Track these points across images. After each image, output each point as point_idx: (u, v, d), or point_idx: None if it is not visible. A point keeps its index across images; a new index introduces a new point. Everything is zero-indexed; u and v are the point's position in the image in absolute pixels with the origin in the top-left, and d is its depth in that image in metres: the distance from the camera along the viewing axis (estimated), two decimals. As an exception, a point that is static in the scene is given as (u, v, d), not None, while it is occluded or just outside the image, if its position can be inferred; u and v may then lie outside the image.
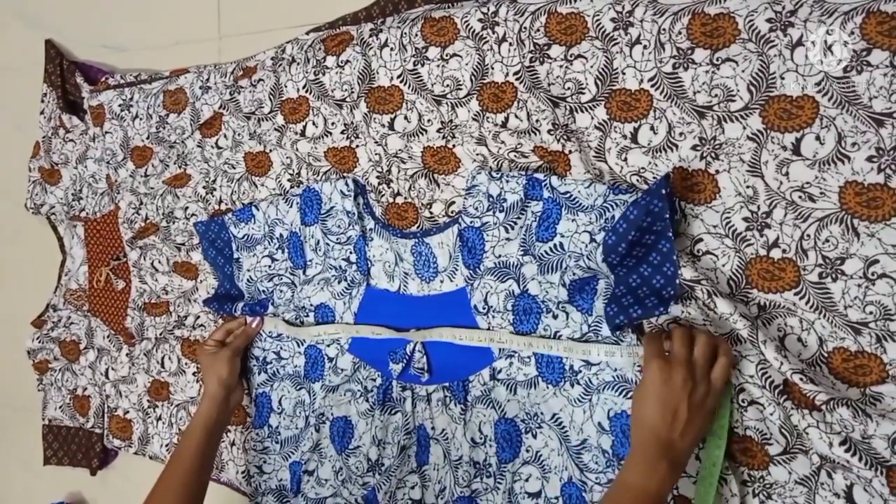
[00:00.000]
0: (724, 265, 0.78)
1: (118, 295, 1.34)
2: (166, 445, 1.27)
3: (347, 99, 1.00)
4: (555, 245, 0.87)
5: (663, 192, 0.75)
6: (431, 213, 0.97)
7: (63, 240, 1.44)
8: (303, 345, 1.09)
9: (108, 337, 1.35)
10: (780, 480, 0.75)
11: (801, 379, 0.71)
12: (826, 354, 0.74)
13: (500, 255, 0.91)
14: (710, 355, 0.75)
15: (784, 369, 0.72)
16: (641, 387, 0.75)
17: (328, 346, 1.06)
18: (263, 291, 1.11)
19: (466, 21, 0.89)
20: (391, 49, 0.95)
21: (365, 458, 1.01)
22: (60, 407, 1.42)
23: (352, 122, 1.01)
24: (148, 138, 1.23)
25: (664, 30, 0.78)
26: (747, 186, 0.76)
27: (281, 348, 1.11)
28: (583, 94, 0.84)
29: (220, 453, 1.19)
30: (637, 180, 0.82)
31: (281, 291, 1.09)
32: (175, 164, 1.22)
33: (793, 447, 0.75)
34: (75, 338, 1.40)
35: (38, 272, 1.48)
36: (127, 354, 1.31)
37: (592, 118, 0.84)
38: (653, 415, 0.73)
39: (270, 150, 1.11)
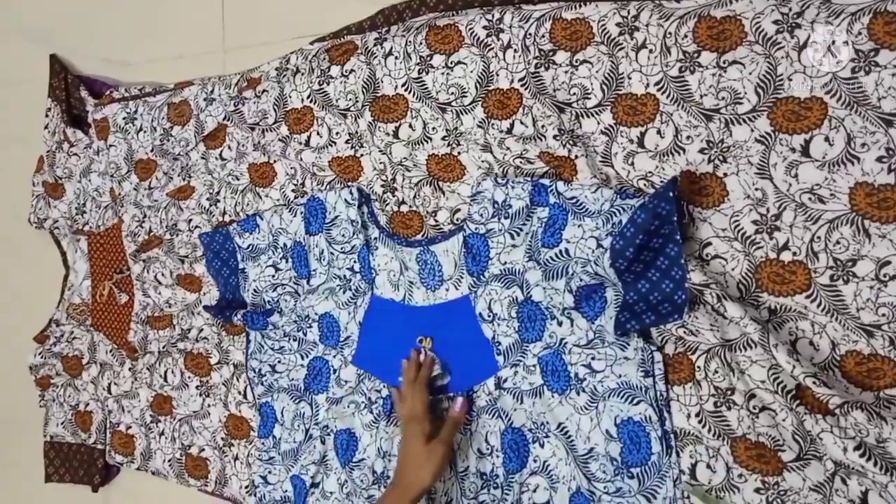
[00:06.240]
0: (733, 269, 0.77)
1: (121, 309, 1.33)
2: (169, 461, 1.25)
3: (352, 108, 0.99)
4: (560, 251, 0.86)
5: (671, 195, 0.74)
6: (436, 221, 0.96)
7: (66, 254, 1.44)
8: (307, 357, 1.08)
9: (110, 351, 1.34)
10: (795, 487, 0.74)
11: (814, 383, 0.69)
12: (839, 358, 0.73)
13: (505, 262, 0.90)
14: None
15: (796, 373, 0.70)
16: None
17: (333, 356, 1.05)
18: (269, 301, 1.10)
19: (471, 28, 0.89)
20: (395, 58, 0.95)
21: (370, 470, 0.99)
22: (62, 423, 1.41)
23: (356, 132, 1.01)
24: (152, 151, 1.23)
25: (670, 33, 0.78)
26: (756, 189, 0.76)
27: (278, 360, 1.10)
28: (588, 99, 0.84)
29: (224, 468, 1.18)
30: (644, 184, 0.82)
31: (285, 301, 1.09)
32: (179, 176, 1.21)
33: (806, 453, 0.73)
34: (78, 353, 1.39)
35: (40, 287, 1.48)
36: (130, 369, 1.30)
37: (598, 123, 0.84)
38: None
39: (275, 161, 1.11)
